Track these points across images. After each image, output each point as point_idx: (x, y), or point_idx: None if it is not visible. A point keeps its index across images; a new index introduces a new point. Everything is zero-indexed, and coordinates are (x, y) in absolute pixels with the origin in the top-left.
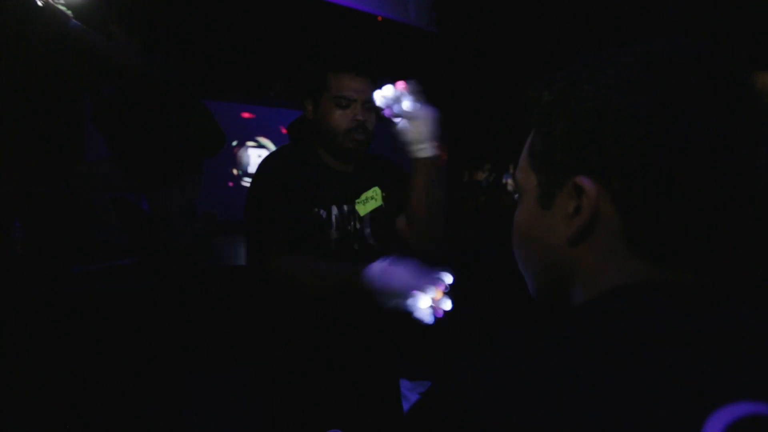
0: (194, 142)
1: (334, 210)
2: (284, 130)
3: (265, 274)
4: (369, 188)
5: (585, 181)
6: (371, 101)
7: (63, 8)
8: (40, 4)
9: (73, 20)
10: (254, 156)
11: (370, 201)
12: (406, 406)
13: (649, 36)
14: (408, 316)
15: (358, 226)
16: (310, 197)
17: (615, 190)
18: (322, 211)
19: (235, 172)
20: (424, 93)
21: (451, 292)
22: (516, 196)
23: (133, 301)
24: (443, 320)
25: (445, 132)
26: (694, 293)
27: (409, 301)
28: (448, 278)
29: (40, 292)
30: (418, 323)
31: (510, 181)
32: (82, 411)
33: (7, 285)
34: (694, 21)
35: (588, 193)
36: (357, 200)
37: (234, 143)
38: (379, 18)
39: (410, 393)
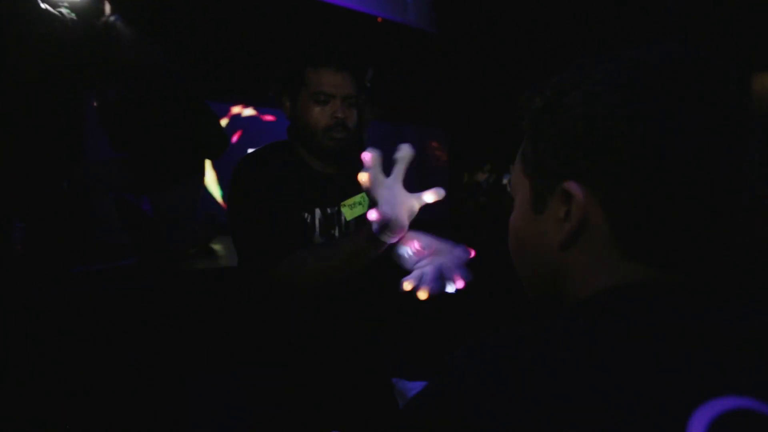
0: (198, 144)
1: (318, 213)
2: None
3: (268, 282)
4: (355, 191)
5: (573, 187)
6: (353, 97)
7: (66, 10)
8: (42, 6)
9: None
10: None
11: (357, 206)
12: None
13: (650, 37)
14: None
15: (344, 230)
16: (293, 201)
17: (603, 195)
18: (306, 215)
19: None
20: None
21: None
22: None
23: (134, 301)
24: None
25: (445, 133)
26: (682, 293)
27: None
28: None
29: (41, 292)
30: (417, 323)
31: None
32: (82, 411)
33: (8, 285)
34: (694, 21)
35: (576, 199)
36: (343, 203)
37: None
38: (379, 19)
39: (408, 393)
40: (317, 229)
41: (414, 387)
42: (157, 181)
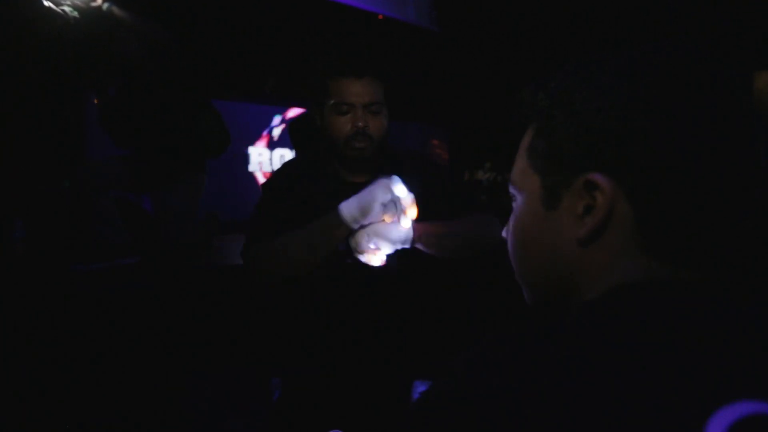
0: (200, 141)
1: None
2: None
3: (245, 273)
4: None
5: (599, 178)
6: (375, 104)
7: (69, 8)
8: (46, 4)
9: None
10: (254, 155)
11: None
12: None
13: (650, 35)
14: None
15: None
16: (319, 211)
17: (630, 186)
18: None
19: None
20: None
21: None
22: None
23: (135, 300)
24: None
25: (446, 131)
26: (699, 291)
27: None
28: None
29: (41, 291)
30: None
31: None
32: (82, 411)
33: (8, 284)
34: (695, 20)
35: (603, 189)
36: None
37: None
38: (380, 17)
39: (413, 392)
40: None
41: (421, 387)
42: (158, 178)
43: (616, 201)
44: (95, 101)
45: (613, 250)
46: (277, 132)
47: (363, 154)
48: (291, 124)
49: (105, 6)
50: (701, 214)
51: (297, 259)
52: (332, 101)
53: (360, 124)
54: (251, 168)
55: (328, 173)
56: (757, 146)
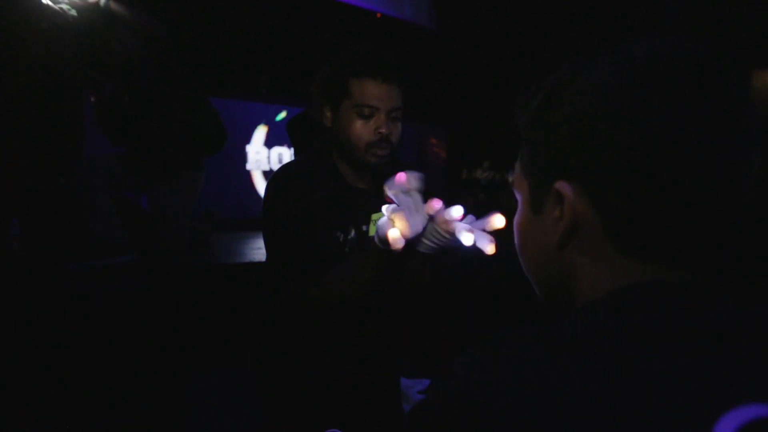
0: (197, 139)
1: (352, 231)
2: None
3: (302, 305)
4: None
5: (563, 186)
6: (398, 110)
7: (66, 6)
8: (44, 1)
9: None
10: (252, 153)
11: None
12: (404, 404)
13: (650, 35)
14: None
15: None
16: (328, 218)
17: (592, 192)
18: (339, 234)
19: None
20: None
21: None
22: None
23: (132, 298)
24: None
25: (444, 130)
26: (690, 293)
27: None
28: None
29: (38, 289)
30: (420, 322)
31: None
32: (81, 410)
33: (5, 282)
34: (694, 18)
35: (566, 197)
36: (373, 216)
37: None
38: (378, 15)
39: (408, 391)
40: (348, 247)
41: (415, 384)
42: (155, 176)
43: (580, 207)
44: (92, 99)
45: (589, 253)
46: (261, 132)
47: (383, 161)
48: (290, 123)
49: (102, 1)
50: (667, 218)
51: (363, 290)
52: (354, 102)
53: (384, 130)
54: (249, 166)
55: (334, 176)
56: (745, 146)
